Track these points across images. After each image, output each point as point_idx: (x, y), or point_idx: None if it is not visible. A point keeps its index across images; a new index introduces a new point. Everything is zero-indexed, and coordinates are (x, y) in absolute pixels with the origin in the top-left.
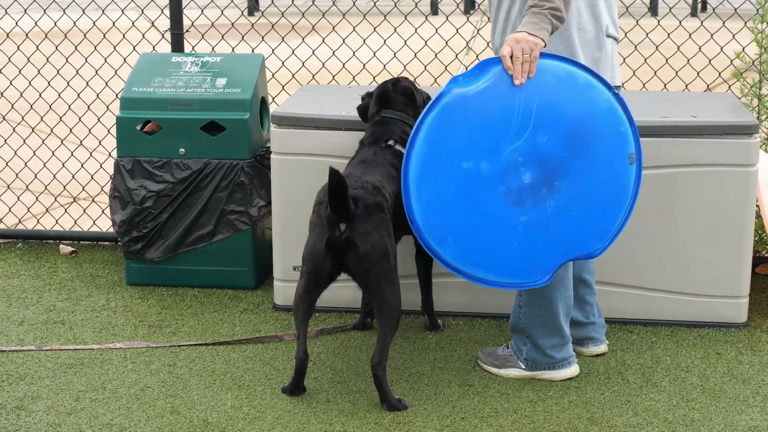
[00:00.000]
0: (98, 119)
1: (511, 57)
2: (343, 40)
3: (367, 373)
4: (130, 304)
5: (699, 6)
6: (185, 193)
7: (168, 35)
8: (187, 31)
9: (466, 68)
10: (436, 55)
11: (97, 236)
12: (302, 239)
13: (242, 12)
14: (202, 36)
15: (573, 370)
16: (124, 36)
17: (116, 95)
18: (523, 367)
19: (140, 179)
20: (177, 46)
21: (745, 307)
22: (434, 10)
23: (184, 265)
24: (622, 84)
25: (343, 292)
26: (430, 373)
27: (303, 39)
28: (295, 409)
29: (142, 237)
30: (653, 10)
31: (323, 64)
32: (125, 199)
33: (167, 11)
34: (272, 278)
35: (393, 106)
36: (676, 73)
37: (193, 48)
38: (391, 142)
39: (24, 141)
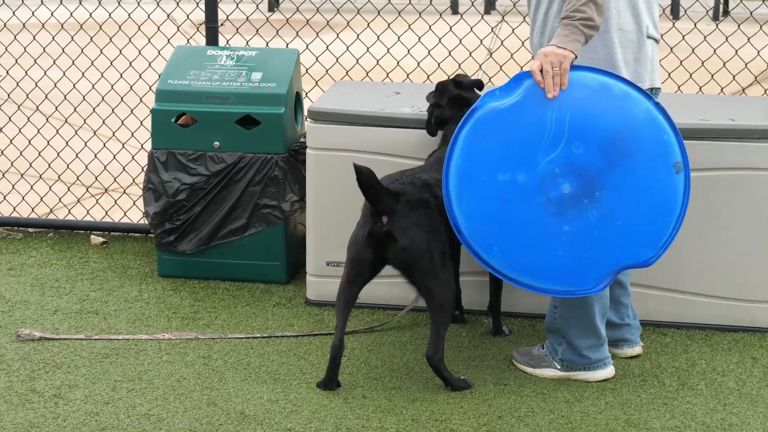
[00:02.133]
0: (131, 111)
1: (542, 71)
2: (378, 37)
3: (402, 370)
4: (162, 296)
5: (721, 9)
6: (219, 187)
7: (202, 28)
8: (221, 24)
9: (484, 72)
10: (470, 54)
11: (128, 227)
12: (336, 235)
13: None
14: (237, 30)
15: (609, 371)
16: (159, 28)
17: (150, 87)
18: (559, 367)
19: (174, 171)
20: (212, 39)
21: None
22: (487, 9)
23: (216, 259)
24: (700, 88)
25: (397, 289)
26: (465, 372)
27: (338, 35)
28: (331, 404)
29: (174, 229)
30: (675, 13)
31: (357, 61)
32: (159, 191)
33: (202, 5)
34: (304, 273)
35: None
36: (712, 76)
37: (227, 42)
38: None
39: (57, 131)
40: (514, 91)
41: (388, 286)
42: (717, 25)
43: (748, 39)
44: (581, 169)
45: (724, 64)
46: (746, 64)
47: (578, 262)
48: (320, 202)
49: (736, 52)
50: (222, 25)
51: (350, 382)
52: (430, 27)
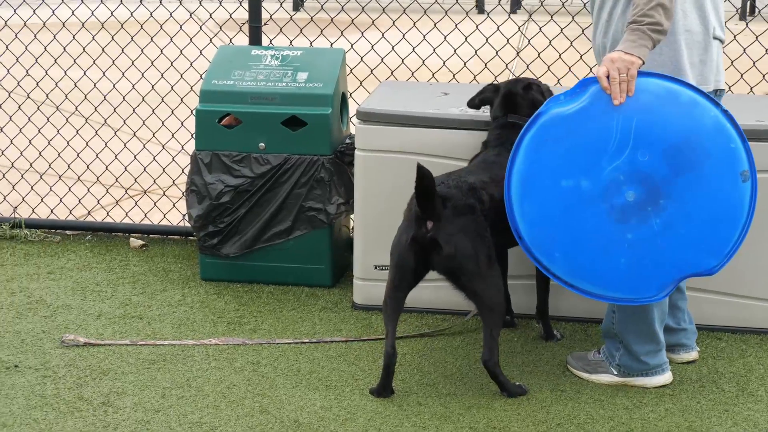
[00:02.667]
0: (172, 111)
1: (609, 77)
2: (424, 37)
3: (456, 376)
4: (206, 300)
5: (748, 8)
6: (264, 189)
7: (245, 28)
8: (265, 24)
9: (512, 73)
10: (518, 53)
11: (167, 230)
12: (384, 238)
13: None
14: (281, 29)
15: (667, 377)
16: (201, 28)
17: (191, 88)
18: (616, 373)
19: (218, 173)
20: (255, 39)
21: None
22: (513, 8)
23: (260, 262)
24: (728, 87)
25: (424, 292)
26: (520, 377)
27: (383, 35)
28: (386, 411)
29: (218, 232)
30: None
31: (402, 60)
32: (202, 194)
33: (245, 3)
34: (349, 277)
35: (519, 111)
36: (741, 75)
37: (270, 41)
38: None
39: (96, 132)
40: (580, 96)
41: (435, 290)
42: (747, 24)
43: (756, 38)
44: (646, 177)
45: (754, 63)
46: (754, 63)
47: (641, 270)
48: (368, 205)
49: (767, 50)
50: (266, 24)
51: (403, 389)
52: (456, 26)
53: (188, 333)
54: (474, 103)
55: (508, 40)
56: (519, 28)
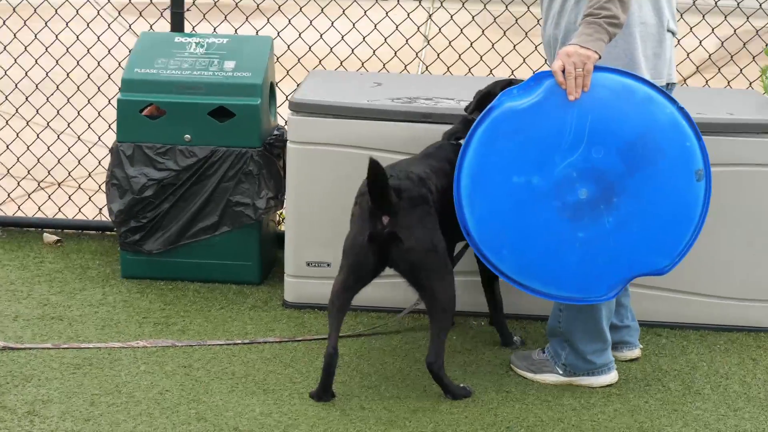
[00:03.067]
0: (88, 101)
1: (564, 71)
2: (353, 25)
3: (396, 377)
4: (129, 299)
5: None
6: (189, 182)
7: (167, 14)
8: (188, 10)
9: (421, 61)
10: (428, 42)
11: (82, 224)
12: (318, 234)
13: None
14: (204, 16)
15: (612, 376)
16: (98, 13)
17: (108, 76)
18: (561, 372)
19: (141, 166)
20: (177, 25)
21: None
22: None
23: (185, 258)
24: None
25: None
26: (462, 378)
27: (311, 22)
28: (329, 416)
29: (140, 227)
30: None
31: (331, 49)
32: (124, 187)
33: None
34: (278, 273)
35: None
36: (697, 68)
37: (193, 28)
38: (462, 141)
39: (6, 122)
40: (534, 90)
41: (371, 288)
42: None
43: (691, 29)
44: (600, 174)
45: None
46: (688, 54)
47: (591, 269)
48: (301, 199)
49: (678, 42)
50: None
51: (344, 392)
52: (365, 12)
53: (113, 335)
54: (468, 109)
55: (418, 28)
56: (429, 16)
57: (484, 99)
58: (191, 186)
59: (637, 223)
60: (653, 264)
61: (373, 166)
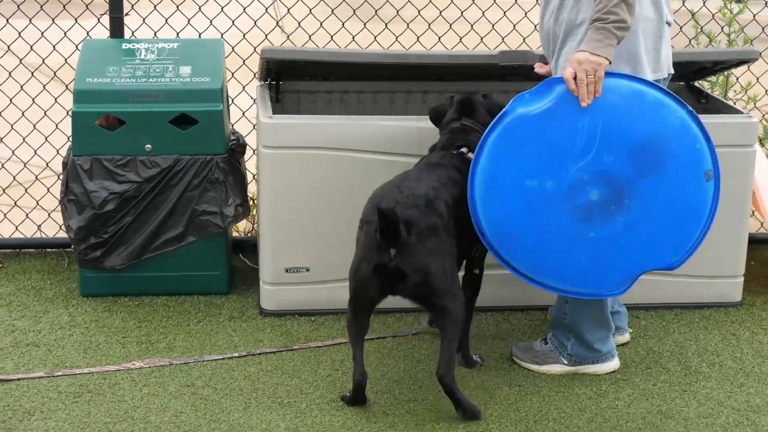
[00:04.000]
0: (22, 114)
1: (575, 78)
2: (233, 21)
3: (407, 380)
4: (98, 318)
5: None
6: (152, 194)
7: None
8: (127, 14)
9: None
10: (277, 23)
11: (20, 243)
12: (295, 239)
13: None
14: (143, 21)
15: (616, 362)
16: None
17: (44, 87)
18: (566, 362)
19: (100, 180)
20: (117, 31)
21: (740, 286)
22: None
23: (149, 272)
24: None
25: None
26: (468, 374)
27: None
28: (357, 426)
29: (101, 243)
30: None
31: (177, 34)
32: (82, 203)
33: None
34: (242, 281)
35: (476, 116)
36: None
37: (133, 33)
38: (463, 150)
39: None
40: (545, 96)
41: None
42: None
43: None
44: (611, 177)
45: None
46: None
47: (603, 266)
48: (277, 205)
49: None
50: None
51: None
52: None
53: (100, 358)
54: (431, 117)
55: (266, 9)
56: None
57: (465, 105)
58: (154, 197)
59: (647, 222)
60: (663, 260)
61: (383, 213)
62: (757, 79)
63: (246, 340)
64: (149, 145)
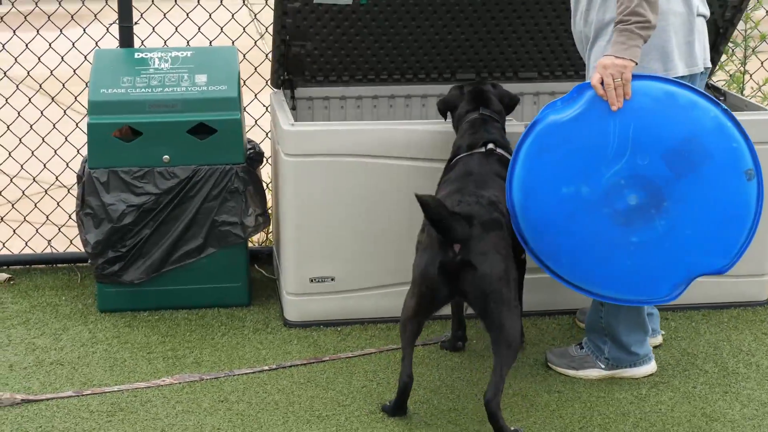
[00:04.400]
0: (30, 127)
1: (603, 84)
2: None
3: (443, 389)
4: (120, 334)
5: None
6: (171, 205)
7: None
8: (136, 23)
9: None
10: (244, 29)
11: (31, 259)
12: (320, 248)
13: None
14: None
15: (653, 365)
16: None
17: (52, 99)
18: (603, 366)
19: (118, 192)
20: (126, 40)
21: (766, 285)
22: None
23: (168, 285)
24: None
25: (386, 300)
26: (509, 382)
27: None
28: None
29: (120, 257)
30: None
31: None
32: (99, 216)
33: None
34: (261, 293)
35: (491, 106)
36: None
37: (142, 42)
38: (491, 146)
39: None
40: (576, 102)
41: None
42: None
43: None
44: (647, 180)
45: None
46: None
47: (648, 272)
48: (302, 215)
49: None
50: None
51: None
52: (199, 2)
53: (128, 374)
54: (440, 108)
55: (244, 29)
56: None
57: (479, 95)
58: (173, 209)
59: (689, 225)
60: (711, 264)
61: (423, 202)
62: None
63: (274, 353)
64: (167, 156)
